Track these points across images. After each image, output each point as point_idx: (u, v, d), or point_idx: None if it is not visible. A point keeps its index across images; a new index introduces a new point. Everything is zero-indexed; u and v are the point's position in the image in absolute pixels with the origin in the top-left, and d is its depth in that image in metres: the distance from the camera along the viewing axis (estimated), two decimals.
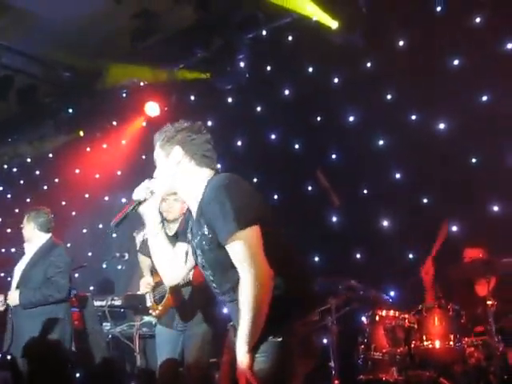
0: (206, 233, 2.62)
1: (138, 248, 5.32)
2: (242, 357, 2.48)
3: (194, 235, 2.76)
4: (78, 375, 6.80)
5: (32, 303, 5.26)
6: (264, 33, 7.62)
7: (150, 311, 4.82)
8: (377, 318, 5.27)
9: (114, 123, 9.46)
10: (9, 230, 10.09)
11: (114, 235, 8.92)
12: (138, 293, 5.22)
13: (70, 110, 9.67)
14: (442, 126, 6.63)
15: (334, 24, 6.97)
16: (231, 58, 7.68)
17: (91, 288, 8.78)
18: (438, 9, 6.64)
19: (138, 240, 6.47)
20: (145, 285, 4.84)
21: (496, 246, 5.48)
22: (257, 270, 2.47)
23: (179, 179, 2.78)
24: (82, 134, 9.59)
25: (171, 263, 2.90)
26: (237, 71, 7.82)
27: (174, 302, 4.66)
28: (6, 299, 5.43)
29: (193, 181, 2.76)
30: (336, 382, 5.38)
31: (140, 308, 5.53)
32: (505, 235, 5.64)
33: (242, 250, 2.50)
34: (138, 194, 2.87)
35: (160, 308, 4.71)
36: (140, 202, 2.87)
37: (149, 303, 4.82)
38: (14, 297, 5.32)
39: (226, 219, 2.51)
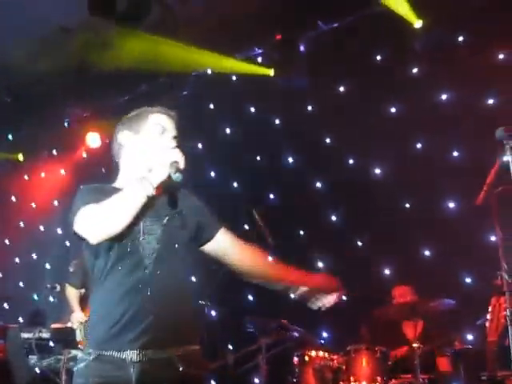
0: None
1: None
2: None
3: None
4: None
5: None
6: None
7: (80, 346, 4.73)
8: (306, 358, 5.27)
9: (54, 152, 9.36)
10: None
11: (48, 266, 8.78)
12: (67, 325, 5.13)
13: (10, 136, 9.56)
14: (377, 170, 6.81)
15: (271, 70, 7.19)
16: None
17: (20, 319, 8.53)
18: (378, 58, 6.90)
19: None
20: (76, 320, 4.75)
21: (425, 289, 5.60)
22: None
23: None
24: (21, 157, 9.45)
25: (124, 220, 2.36)
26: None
27: None
28: None
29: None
30: None
31: (68, 341, 5.40)
32: (434, 279, 5.79)
33: None
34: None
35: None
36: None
37: (79, 337, 4.73)
38: None
39: None
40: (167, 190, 2.55)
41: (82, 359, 2.43)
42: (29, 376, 6.61)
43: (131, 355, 2.36)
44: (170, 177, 2.34)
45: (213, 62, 7.57)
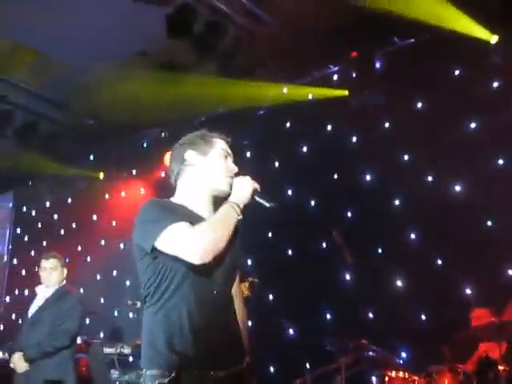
0: None
1: None
2: None
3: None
4: None
5: (38, 358, 5.27)
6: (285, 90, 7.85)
7: None
8: (386, 378, 5.21)
9: (134, 172, 9.63)
10: (23, 273, 10.17)
11: (128, 283, 9.00)
12: None
13: (92, 157, 9.91)
14: (458, 188, 6.67)
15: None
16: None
17: (101, 335, 8.76)
18: (456, 72, 6.79)
19: None
20: None
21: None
22: None
23: None
24: (101, 176, 9.79)
25: (220, 245, 2.56)
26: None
27: None
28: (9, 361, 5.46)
29: None
30: None
31: None
32: None
33: None
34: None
35: None
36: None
37: None
38: (19, 365, 5.27)
39: None
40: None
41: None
42: None
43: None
44: (260, 204, 2.70)
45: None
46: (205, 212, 2.73)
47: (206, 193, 2.77)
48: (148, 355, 2.57)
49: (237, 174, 2.79)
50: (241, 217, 2.62)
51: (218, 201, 2.78)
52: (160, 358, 2.52)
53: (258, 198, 2.71)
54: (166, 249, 2.52)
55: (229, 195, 2.72)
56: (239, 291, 2.99)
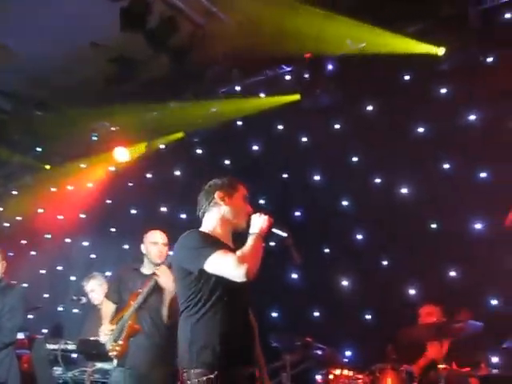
0: None
1: (104, 294, 5.28)
2: None
3: None
4: None
5: None
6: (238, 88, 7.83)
7: (110, 354, 4.71)
8: (331, 376, 5.27)
9: (82, 165, 9.47)
10: None
11: (73, 278, 8.86)
12: (92, 338, 5.17)
13: (39, 149, 9.70)
14: (404, 190, 6.81)
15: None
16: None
17: (45, 330, 8.59)
18: (407, 78, 6.92)
19: (89, 288, 6.43)
20: (104, 332, 4.77)
21: (451, 309, 5.57)
22: None
23: None
24: (47, 167, 9.59)
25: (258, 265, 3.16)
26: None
27: (133, 328, 4.62)
28: None
29: None
30: None
31: (94, 354, 5.43)
32: (460, 300, 5.76)
33: None
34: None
35: (120, 343, 4.62)
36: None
37: (109, 346, 4.73)
38: None
39: None
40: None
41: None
42: None
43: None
44: (277, 235, 3.42)
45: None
46: (228, 242, 3.37)
47: (229, 227, 3.43)
48: (189, 357, 3.08)
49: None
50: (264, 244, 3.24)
51: (234, 233, 3.45)
52: (204, 358, 3.05)
53: (274, 230, 3.38)
54: (213, 270, 3.10)
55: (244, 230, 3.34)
56: None
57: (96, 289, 6.42)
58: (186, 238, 3.28)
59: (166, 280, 4.48)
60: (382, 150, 6.73)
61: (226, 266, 3.07)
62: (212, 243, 3.20)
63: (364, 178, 7.03)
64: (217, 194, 3.44)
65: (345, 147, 7.14)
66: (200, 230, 3.37)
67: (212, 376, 2.99)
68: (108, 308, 4.97)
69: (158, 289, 4.63)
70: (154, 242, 4.88)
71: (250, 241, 3.23)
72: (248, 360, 3.21)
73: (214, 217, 3.43)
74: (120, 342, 4.62)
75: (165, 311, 4.61)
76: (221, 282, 3.12)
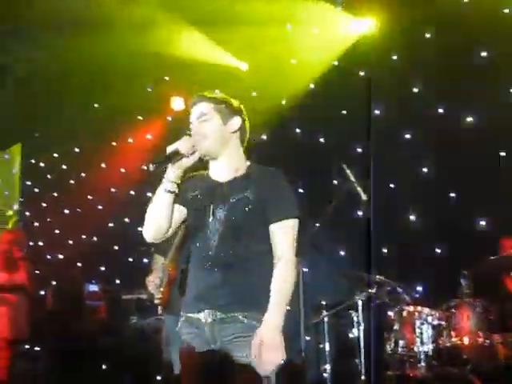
0: (252, 198, 2.79)
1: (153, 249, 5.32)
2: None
3: (221, 199, 2.84)
4: (104, 367, 6.86)
5: None
6: None
7: (155, 301, 4.74)
8: (404, 313, 5.22)
9: (140, 117, 9.50)
10: (36, 224, 10.18)
11: (140, 229, 9.00)
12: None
13: (96, 105, 9.76)
14: (469, 118, 6.59)
15: None
16: None
17: (117, 281, 8.82)
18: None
19: None
20: (150, 283, 4.79)
21: None
22: (295, 258, 2.75)
23: (227, 148, 2.92)
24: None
25: (161, 222, 2.92)
26: None
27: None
28: None
29: (238, 155, 2.96)
30: (363, 377, 5.35)
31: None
32: None
33: (292, 235, 2.77)
34: (182, 147, 2.82)
35: (162, 290, 4.62)
36: (181, 155, 2.83)
37: (156, 295, 4.75)
38: None
39: (288, 202, 2.81)
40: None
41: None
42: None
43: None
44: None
45: None
46: None
47: None
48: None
49: None
50: (172, 190, 2.94)
51: None
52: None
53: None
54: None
55: None
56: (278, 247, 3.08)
57: None
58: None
59: None
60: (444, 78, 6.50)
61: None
62: None
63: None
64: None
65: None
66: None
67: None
68: (157, 262, 4.97)
69: None
70: None
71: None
72: None
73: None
74: (161, 289, 4.61)
75: None
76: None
